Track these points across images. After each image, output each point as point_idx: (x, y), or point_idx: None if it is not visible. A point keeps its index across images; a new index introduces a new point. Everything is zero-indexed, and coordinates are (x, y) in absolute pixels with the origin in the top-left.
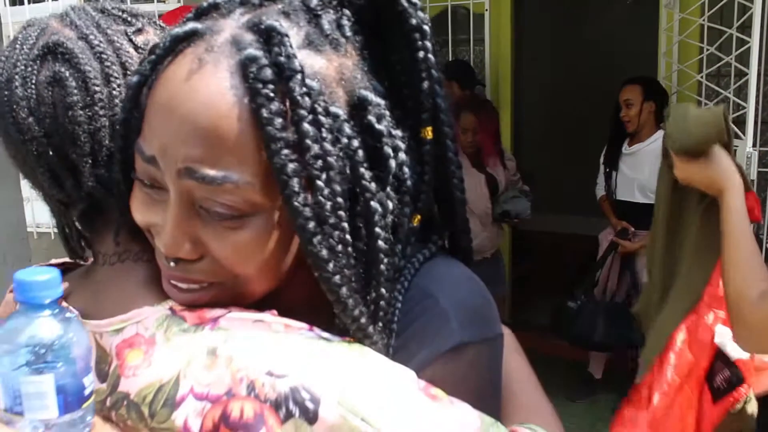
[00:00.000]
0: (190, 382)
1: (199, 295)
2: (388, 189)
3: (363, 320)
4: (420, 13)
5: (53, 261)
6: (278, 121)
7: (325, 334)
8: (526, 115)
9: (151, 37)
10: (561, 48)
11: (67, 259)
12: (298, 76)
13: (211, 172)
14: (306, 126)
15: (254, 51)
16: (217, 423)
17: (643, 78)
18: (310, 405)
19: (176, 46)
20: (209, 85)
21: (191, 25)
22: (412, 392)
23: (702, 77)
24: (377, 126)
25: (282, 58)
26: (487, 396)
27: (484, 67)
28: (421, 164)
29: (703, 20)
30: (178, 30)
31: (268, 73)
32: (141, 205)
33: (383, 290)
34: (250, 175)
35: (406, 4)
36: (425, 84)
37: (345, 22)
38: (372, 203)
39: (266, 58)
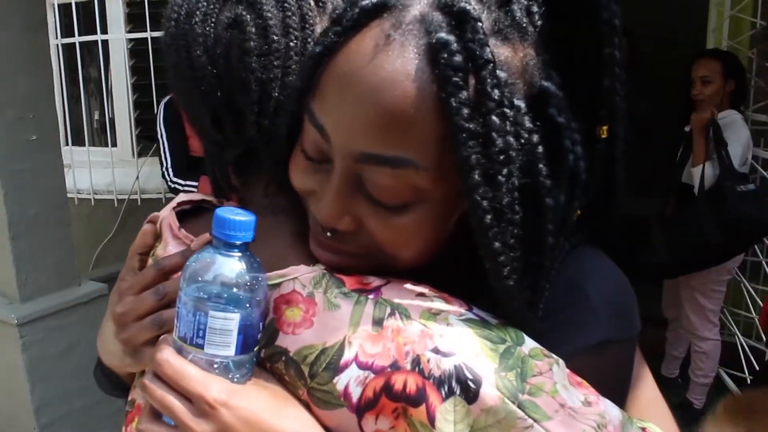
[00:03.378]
0: (354, 350)
1: (347, 261)
2: (563, 184)
3: (524, 309)
4: (613, 6)
5: (187, 198)
6: (466, 111)
7: (484, 315)
8: None
9: None
10: None
11: (203, 198)
12: (490, 66)
13: (391, 154)
14: (494, 119)
15: (446, 35)
16: (378, 393)
17: (720, 51)
18: (471, 385)
19: (364, 18)
20: (395, 64)
21: None
22: (564, 379)
23: (753, 54)
24: (558, 118)
25: (474, 45)
26: (621, 394)
27: None
28: (591, 161)
29: None
30: (366, 2)
31: (459, 59)
32: (301, 173)
33: (543, 282)
34: (427, 161)
35: None
36: (607, 81)
37: (535, 9)
38: (547, 200)
39: (458, 44)
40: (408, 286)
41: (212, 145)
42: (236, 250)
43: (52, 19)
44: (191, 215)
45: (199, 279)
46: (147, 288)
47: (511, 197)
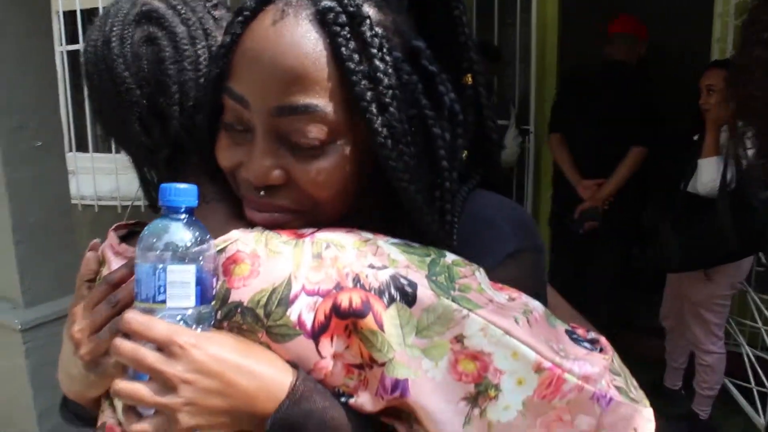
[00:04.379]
0: (301, 282)
1: (281, 218)
2: (445, 121)
3: (435, 226)
4: None
5: (122, 223)
6: (356, 56)
7: (406, 241)
8: None
9: (224, 12)
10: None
11: (138, 221)
12: (367, 21)
13: (300, 102)
14: (377, 62)
15: (329, 2)
16: (328, 314)
17: (727, 61)
18: (408, 290)
19: (260, 5)
20: (292, 30)
21: None
22: (487, 283)
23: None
24: (431, 67)
25: (352, 8)
26: (539, 298)
27: (530, 49)
28: (464, 106)
29: None
30: None
31: (343, 18)
32: (227, 150)
33: (448, 204)
34: (332, 103)
35: None
36: (461, 38)
37: None
38: (434, 129)
39: (339, 6)
40: (338, 228)
41: (144, 151)
42: (183, 214)
43: (57, 26)
44: (129, 238)
45: (154, 242)
46: (99, 303)
47: (403, 125)
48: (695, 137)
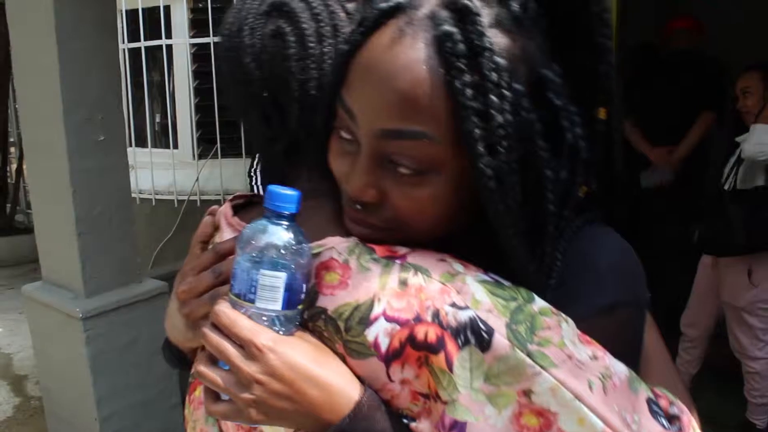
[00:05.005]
0: (383, 305)
1: (374, 234)
2: (564, 159)
3: (531, 269)
4: (601, 1)
5: (241, 194)
6: (469, 91)
7: (498, 277)
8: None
9: (359, 4)
10: (669, 20)
11: (255, 193)
12: (488, 53)
13: (407, 128)
14: (492, 98)
15: (450, 27)
16: (403, 342)
17: (762, 63)
18: (485, 335)
19: (382, 18)
20: (408, 53)
21: (395, 0)
22: (573, 336)
23: None
24: (556, 101)
25: (474, 36)
26: (631, 356)
27: None
28: (592, 142)
29: None
30: (384, 5)
31: (461, 48)
32: (336, 157)
33: (548, 248)
34: (439, 134)
35: None
36: (603, 67)
37: (531, 5)
38: (545, 171)
39: (460, 34)
40: (431, 253)
41: (263, 140)
42: (284, 220)
43: (120, 25)
44: (244, 208)
45: (253, 243)
46: (205, 269)
47: (511, 166)
48: (737, 139)
